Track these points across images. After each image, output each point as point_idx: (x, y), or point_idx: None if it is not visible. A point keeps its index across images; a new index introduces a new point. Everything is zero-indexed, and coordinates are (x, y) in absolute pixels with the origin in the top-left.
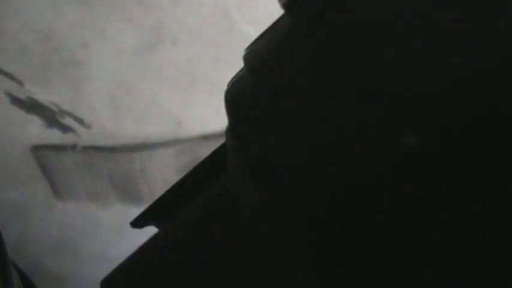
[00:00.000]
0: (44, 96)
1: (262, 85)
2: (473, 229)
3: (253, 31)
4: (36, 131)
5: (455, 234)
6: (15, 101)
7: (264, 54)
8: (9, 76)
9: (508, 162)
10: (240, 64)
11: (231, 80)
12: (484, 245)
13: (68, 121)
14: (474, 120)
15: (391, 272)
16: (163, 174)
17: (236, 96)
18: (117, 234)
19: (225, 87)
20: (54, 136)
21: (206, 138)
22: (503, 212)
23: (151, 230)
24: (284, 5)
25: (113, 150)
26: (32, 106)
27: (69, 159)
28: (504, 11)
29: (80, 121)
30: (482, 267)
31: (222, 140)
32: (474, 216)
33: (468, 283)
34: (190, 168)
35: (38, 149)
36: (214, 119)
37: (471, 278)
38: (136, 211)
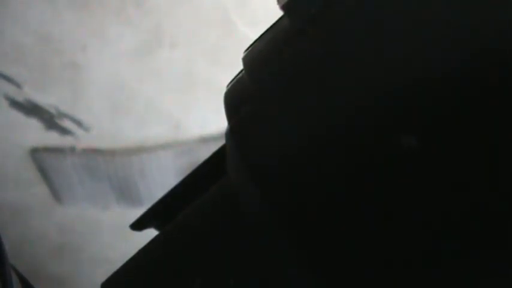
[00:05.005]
0: (42, 99)
1: (262, 86)
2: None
3: (252, 33)
4: (35, 133)
5: (454, 234)
6: (14, 103)
7: (263, 56)
8: (8, 79)
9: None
10: (239, 66)
11: (230, 82)
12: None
13: (67, 124)
14: (473, 121)
15: (390, 274)
16: (162, 177)
17: (235, 98)
18: (117, 236)
19: (224, 89)
20: (53, 139)
21: (205, 140)
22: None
23: (151, 233)
24: (283, 7)
25: (112, 152)
26: (31, 109)
27: (68, 162)
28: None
29: (79, 124)
30: (481, 266)
31: (221, 142)
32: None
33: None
34: (190, 170)
35: (37, 152)
36: (214, 121)
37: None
38: (135, 213)
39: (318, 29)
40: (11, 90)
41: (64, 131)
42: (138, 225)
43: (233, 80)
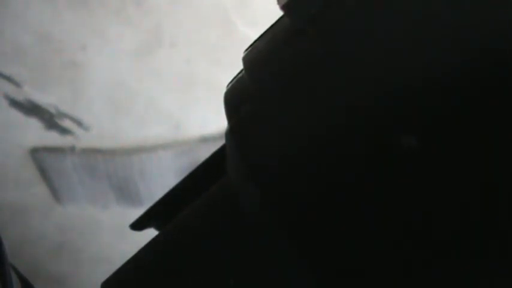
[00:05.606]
0: (42, 99)
1: (262, 86)
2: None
3: (252, 33)
4: (34, 133)
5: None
6: (14, 103)
7: (263, 56)
8: (8, 78)
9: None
10: (239, 66)
11: (230, 82)
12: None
13: (66, 123)
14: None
15: (389, 274)
16: (162, 176)
17: (235, 98)
18: (117, 236)
19: (224, 89)
20: (53, 138)
21: (205, 140)
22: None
23: (151, 233)
24: (283, 7)
25: (112, 152)
26: (31, 108)
27: (68, 162)
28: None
29: (78, 123)
30: (479, 267)
31: (221, 142)
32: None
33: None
34: (190, 170)
35: (36, 151)
36: (213, 121)
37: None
38: (135, 213)
39: (318, 29)
40: (10, 89)
41: (64, 131)
42: (138, 225)
43: (233, 79)
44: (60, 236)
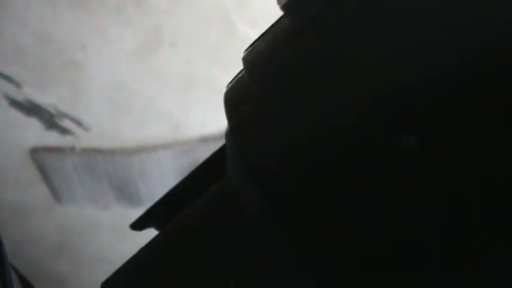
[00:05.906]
0: (42, 99)
1: (262, 86)
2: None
3: (252, 33)
4: (35, 133)
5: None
6: (14, 103)
7: (263, 56)
8: (8, 78)
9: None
10: (239, 66)
11: (230, 82)
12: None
13: (66, 123)
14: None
15: (390, 274)
16: (162, 177)
17: (235, 98)
18: (117, 236)
19: (224, 89)
20: (53, 138)
21: (205, 140)
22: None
23: (151, 233)
24: (283, 7)
25: (112, 152)
26: (31, 108)
27: (68, 162)
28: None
29: (78, 123)
30: (479, 268)
31: (221, 142)
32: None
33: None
34: (190, 170)
35: (36, 152)
36: (214, 121)
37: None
38: (135, 213)
39: (318, 29)
40: (10, 89)
41: (64, 131)
42: (138, 225)
43: (233, 79)
44: (60, 236)
